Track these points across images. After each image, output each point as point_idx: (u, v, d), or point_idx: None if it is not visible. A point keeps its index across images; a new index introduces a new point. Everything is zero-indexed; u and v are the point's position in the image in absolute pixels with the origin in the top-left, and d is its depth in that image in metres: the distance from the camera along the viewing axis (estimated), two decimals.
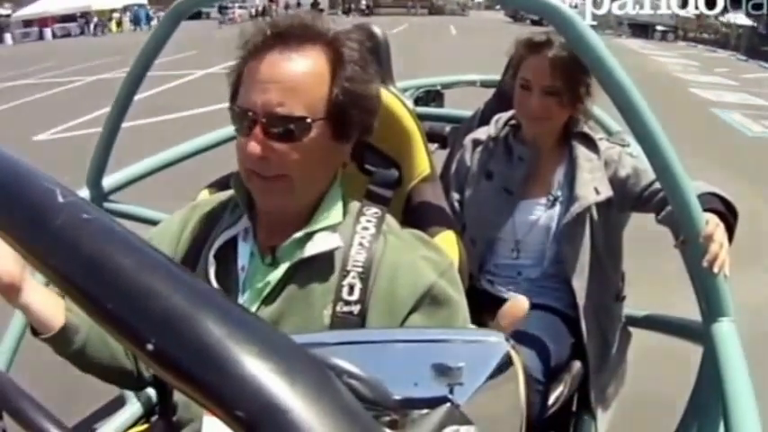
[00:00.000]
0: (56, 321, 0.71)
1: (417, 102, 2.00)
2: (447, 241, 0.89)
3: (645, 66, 10.93)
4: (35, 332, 0.72)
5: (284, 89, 0.70)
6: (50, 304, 0.71)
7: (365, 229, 0.76)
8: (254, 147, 0.70)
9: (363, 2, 34.25)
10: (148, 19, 26.23)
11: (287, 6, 27.24)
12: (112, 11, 26.83)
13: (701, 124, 5.74)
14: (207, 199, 0.88)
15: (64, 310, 0.72)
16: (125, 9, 27.69)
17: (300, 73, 0.71)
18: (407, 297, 0.72)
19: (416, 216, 0.94)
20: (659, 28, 19.93)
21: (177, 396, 0.78)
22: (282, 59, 0.71)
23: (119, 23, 27.00)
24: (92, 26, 25.65)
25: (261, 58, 0.72)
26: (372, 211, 0.78)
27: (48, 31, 24.71)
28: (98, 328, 0.75)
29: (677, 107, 5.75)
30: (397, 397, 0.31)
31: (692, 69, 11.82)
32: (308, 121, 0.71)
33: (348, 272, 0.73)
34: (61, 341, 0.72)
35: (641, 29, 20.04)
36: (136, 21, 26.89)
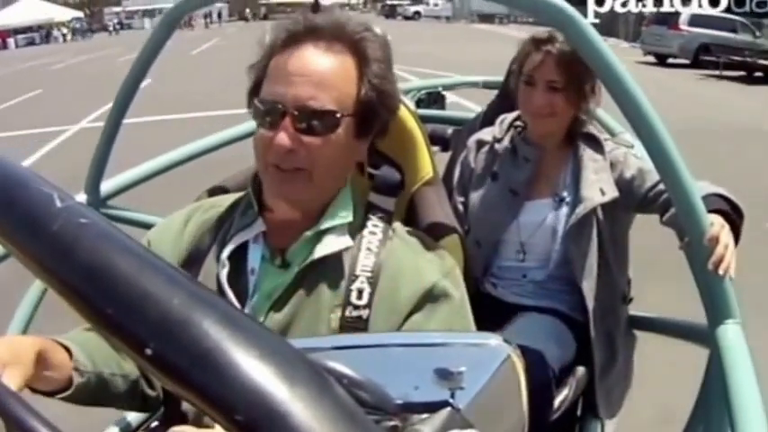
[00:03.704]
0: (63, 383, 0.65)
1: (419, 104, 1.99)
2: (451, 245, 0.89)
3: (489, 30, 21.68)
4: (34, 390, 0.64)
5: (315, 83, 0.71)
6: (56, 372, 0.64)
7: (372, 233, 0.76)
8: (284, 139, 0.70)
9: (263, 10, 39.28)
10: (84, 31, 32.15)
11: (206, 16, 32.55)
12: (61, 23, 31.47)
13: (508, 41, 12.24)
14: (211, 200, 0.87)
15: (71, 369, 0.66)
16: (72, 21, 32.48)
17: (330, 69, 0.72)
18: (410, 296, 0.72)
19: (420, 220, 0.93)
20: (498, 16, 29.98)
21: (187, 406, 0.77)
22: (312, 55, 0.72)
23: (73, 32, 31.65)
24: (55, 35, 30.06)
25: (289, 52, 0.72)
26: (379, 215, 0.79)
27: (11, 41, 27.83)
28: (100, 377, 0.72)
29: (501, 39, 10.84)
30: (398, 401, 0.31)
31: (517, 31, 20.63)
32: (338, 116, 0.71)
33: (357, 276, 0.73)
34: (65, 398, 0.67)
35: (488, 17, 30.23)
36: (76, 32, 32.04)
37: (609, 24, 18.06)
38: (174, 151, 1.57)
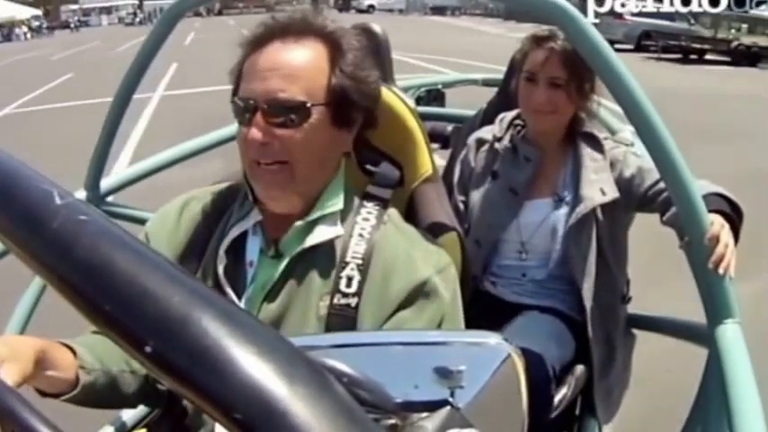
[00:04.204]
0: (69, 383, 0.65)
1: (418, 101, 1.99)
2: (450, 243, 0.89)
3: (442, 22, 25.34)
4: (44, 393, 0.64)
5: (284, 76, 0.72)
6: (62, 372, 0.64)
7: (366, 220, 0.76)
8: (256, 133, 0.71)
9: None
10: (45, 29, 32.72)
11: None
12: (21, 21, 31.77)
13: (463, 31, 19.32)
14: (206, 190, 0.87)
15: (76, 369, 0.66)
16: (31, 19, 32.69)
17: (299, 61, 0.73)
18: (400, 290, 0.72)
19: (419, 217, 0.93)
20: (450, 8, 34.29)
21: (186, 402, 0.77)
22: (282, 50, 0.73)
23: (35, 30, 32.00)
24: (17, 33, 30.43)
25: (261, 50, 0.74)
26: (374, 202, 0.79)
27: None
28: (108, 374, 0.72)
29: (456, 30, 20.19)
30: (398, 400, 0.31)
31: (469, 22, 25.63)
32: (308, 105, 0.72)
33: (347, 263, 0.73)
34: (74, 399, 0.67)
35: (440, 9, 33.74)
36: (36, 29, 32.60)
37: None
38: (173, 148, 1.56)
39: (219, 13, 36.42)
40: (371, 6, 33.34)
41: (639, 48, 13.67)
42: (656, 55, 12.72)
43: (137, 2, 37.64)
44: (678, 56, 12.70)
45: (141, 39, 1.24)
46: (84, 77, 10.91)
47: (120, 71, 1.22)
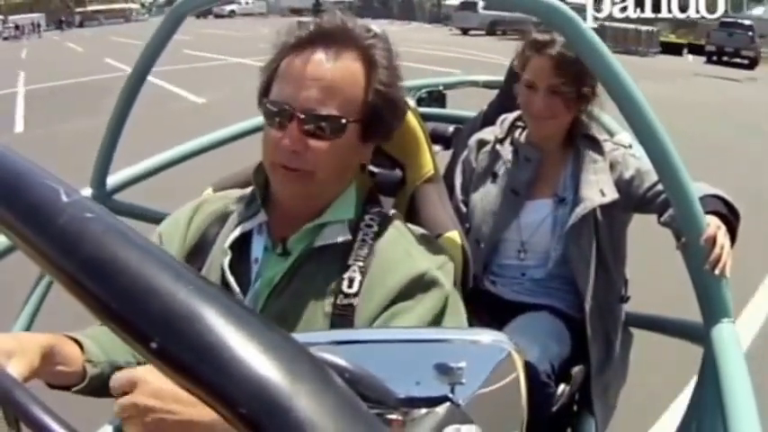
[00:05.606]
0: (77, 376, 0.67)
1: (420, 102, 1.99)
2: (451, 242, 0.89)
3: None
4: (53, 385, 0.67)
5: (324, 88, 0.72)
6: (69, 366, 0.66)
7: (369, 226, 0.78)
8: (290, 141, 0.72)
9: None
10: None
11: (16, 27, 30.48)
12: None
13: None
14: (217, 195, 0.89)
15: (83, 361, 0.68)
16: None
17: (340, 74, 0.74)
18: (398, 281, 0.73)
19: (420, 216, 0.94)
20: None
21: None
22: (323, 59, 0.74)
23: None
24: None
25: (301, 55, 0.74)
26: (377, 209, 0.81)
27: None
28: (114, 366, 0.73)
29: None
30: (399, 396, 0.31)
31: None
32: (344, 121, 0.73)
33: (350, 266, 0.74)
34: (82, 391, 0.69)
35: (298, 11, 32.23)
36: None
37: (406, 11, 26.60)
38: (181, 146, 1.56)
39: (80, 24, 34.45)
40: (232, 12, 32.56)
41: (490, 33, 19.33)
42: (501, 36, 17.89)
43: (2, 16, 34.81)
44: (516, 37, 17.38)
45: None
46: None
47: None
